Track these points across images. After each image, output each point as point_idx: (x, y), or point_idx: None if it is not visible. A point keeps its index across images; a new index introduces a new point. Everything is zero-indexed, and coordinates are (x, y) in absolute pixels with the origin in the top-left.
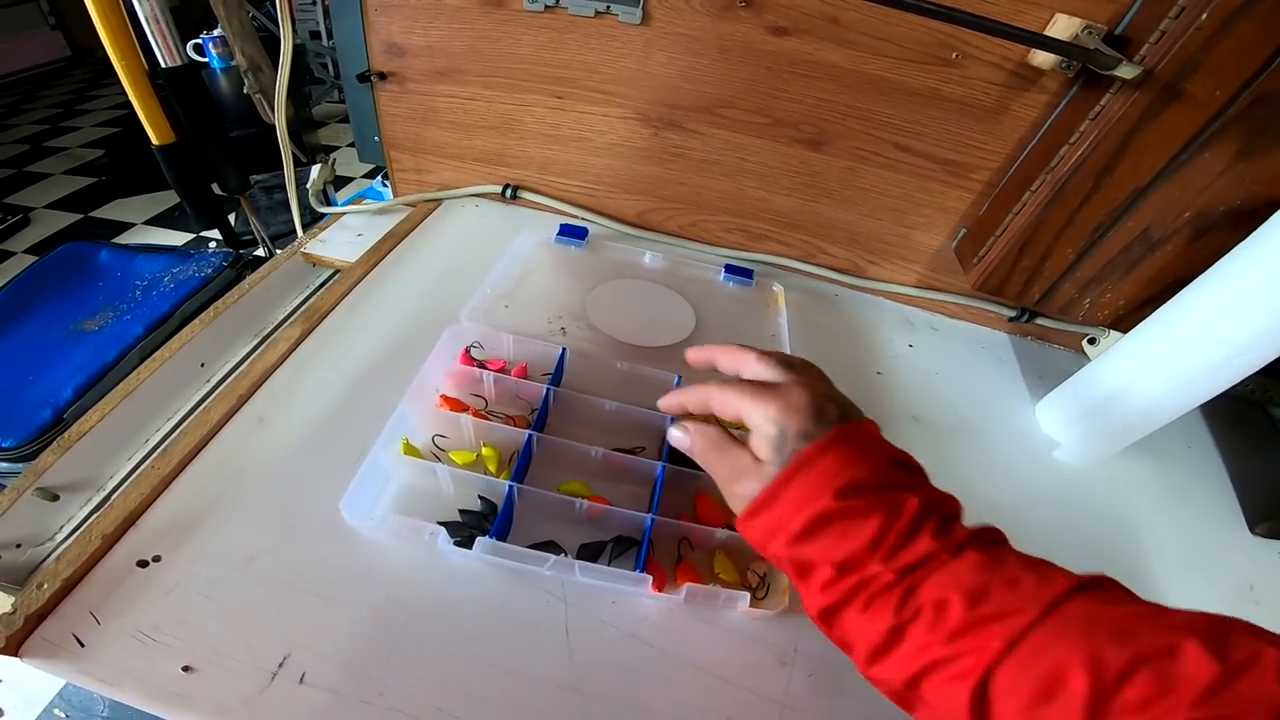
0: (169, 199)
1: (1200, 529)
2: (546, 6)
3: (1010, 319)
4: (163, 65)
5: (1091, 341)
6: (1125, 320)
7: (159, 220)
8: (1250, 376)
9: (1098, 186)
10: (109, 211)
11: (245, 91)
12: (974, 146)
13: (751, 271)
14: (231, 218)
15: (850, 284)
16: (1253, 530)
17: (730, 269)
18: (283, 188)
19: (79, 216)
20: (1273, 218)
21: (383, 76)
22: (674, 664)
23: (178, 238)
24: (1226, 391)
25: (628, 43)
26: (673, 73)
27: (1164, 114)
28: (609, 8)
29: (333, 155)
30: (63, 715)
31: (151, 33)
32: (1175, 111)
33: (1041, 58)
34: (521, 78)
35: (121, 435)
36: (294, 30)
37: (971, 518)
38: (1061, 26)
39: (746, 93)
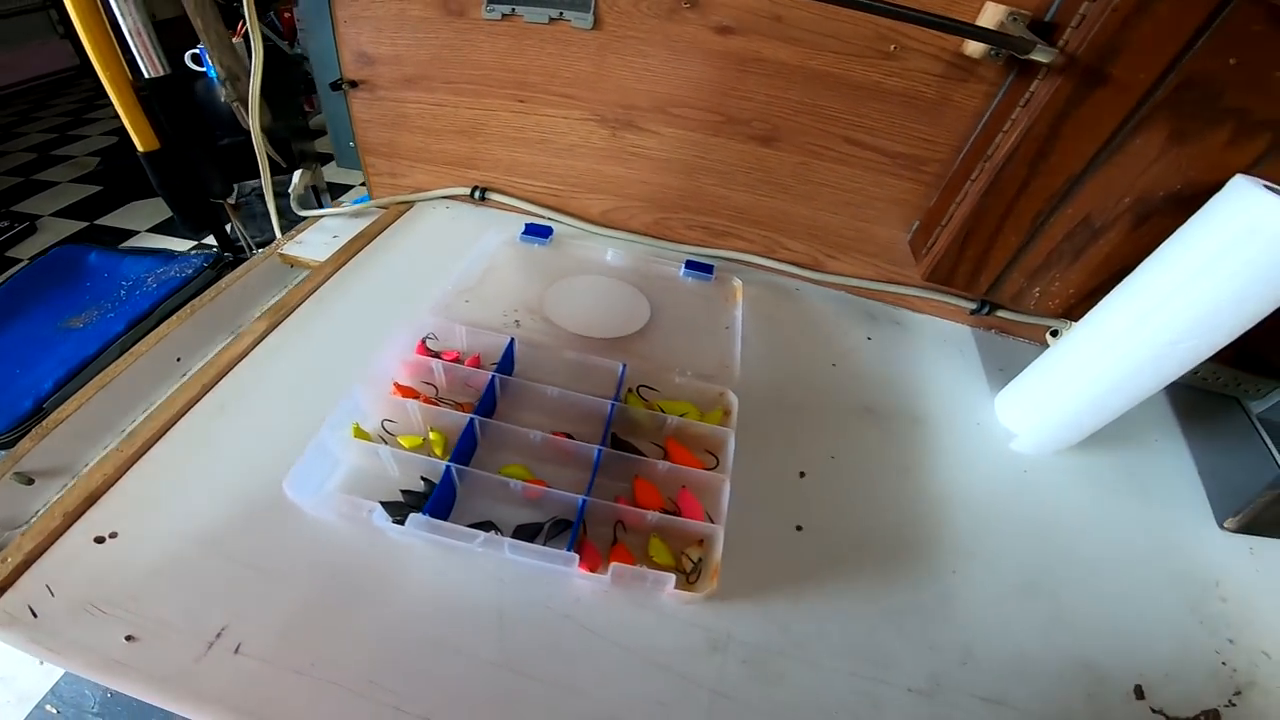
0: None
1: (1165, 523)
2: (504, 15)
3: (972, 311)
4: (146, 75)
5: (1054, 333)
6: (1077, 309)
7: (162, 228)
8: (1220, 369)
9: (1034, 173)
10: (114, 219)
11: (224, 100)
12: (922, 139)
13: (711, 267)
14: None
15: (812, 278)
16: (1221, 525)
17: (690, 265)
18: (279, 195)
19: (85, 224)
20: (1208, 203)
21: (354, 85)
22: (607, 646)
23: (180, 245)
24: (1200, 385)
25: (582, 47)
26: (626, 74)
27: (1090, 99)
28: (562, 14)
29: (315, 163)
30: (54, 711)
31: (135, 45)
32: (1101, 96)
33: (973, 47)
34: (484, 83)
35: (97, 424)
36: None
37: (925, 508)
38: (989, 15)
39: (698, 91)
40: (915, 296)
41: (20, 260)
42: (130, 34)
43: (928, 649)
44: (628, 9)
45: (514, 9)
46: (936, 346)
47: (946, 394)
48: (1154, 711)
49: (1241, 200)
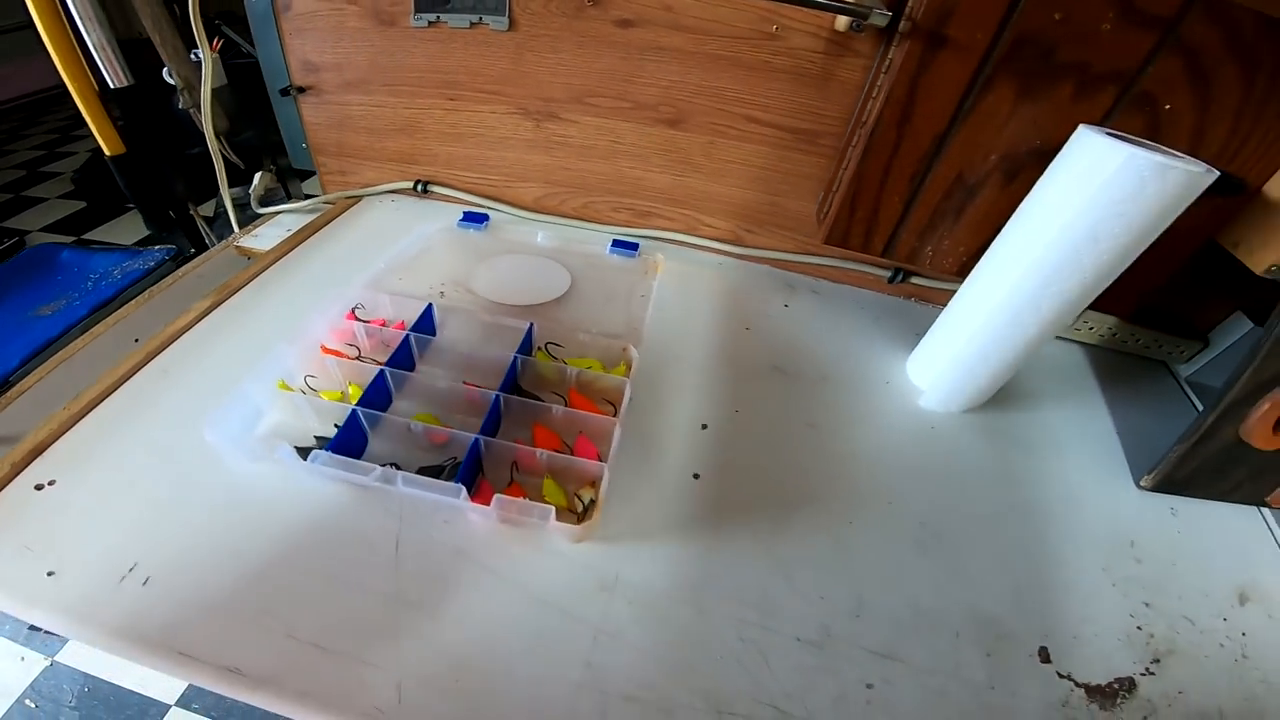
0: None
1: (1078, 481)
2: (429, 22)
3: (889, 280)
4: (111, 86)
5: None
6: (969, 267)
7: (148, 242)
8: (1139, 331)
9: (902, 136)
10: (101, 234)
11: (180, 107)
12: (814, 113)
13: (636, 245)
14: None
15: (734, 253)
16: (1138, 484)
17: (617, 243)
18: (242, 206)
19: (72, 239)
20: (1060, 153)
21: (301, 90)
22: (495, 581)
23: None
24: (1122, 349)
25: (500, 47)
26: (543, 70)
27: (937, 60)
28: (481, 19)
29: (270, 166)
30: (33, 705)
31: (100, 59)
32: (946, 57)
33: (841, 21)
34: (418, 84)
35: (56, 395)
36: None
37: (826, 460)
38: None
39: (607, 81)
40: (833, 267)
41: None
42: (95, 48)
43: (819, 599)
44: (538, 10)
45: (438, 16)
46: (853, 313)
47: (859, 356)
48: (1061, 676)
49: (1083, 146)
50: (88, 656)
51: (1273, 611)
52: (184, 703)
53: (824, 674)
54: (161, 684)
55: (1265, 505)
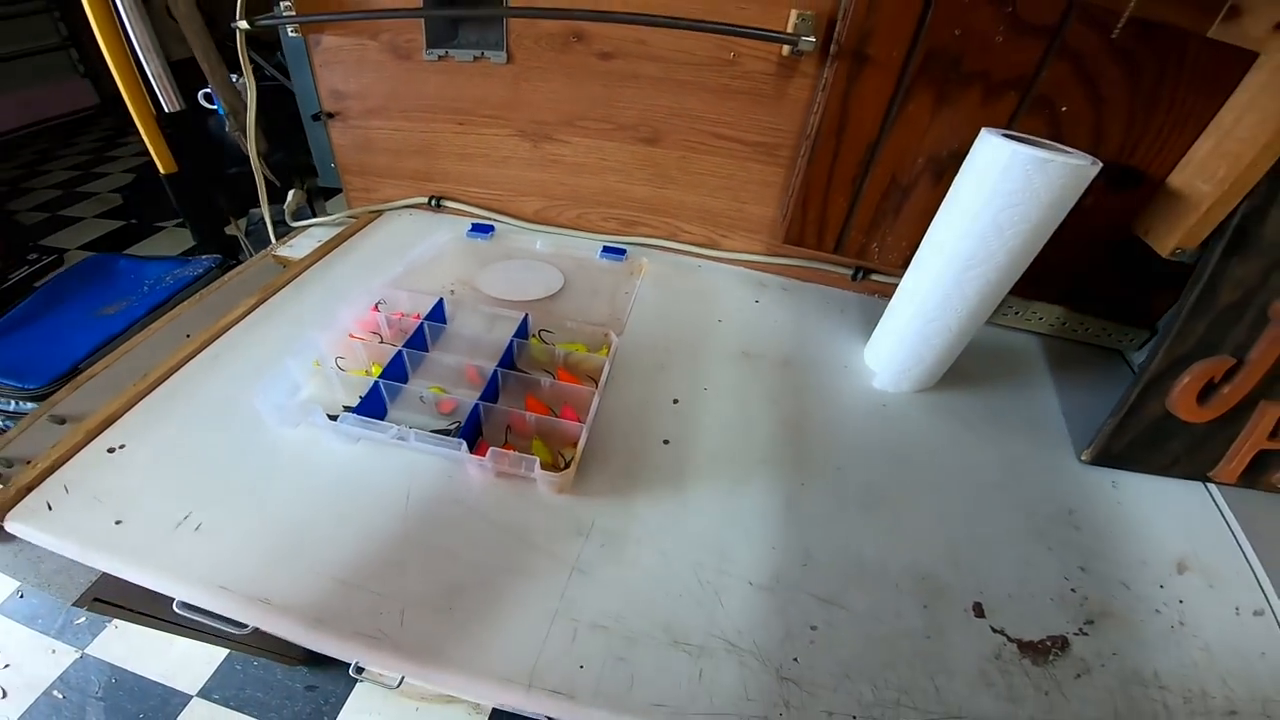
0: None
1: (1021, 455)
2: (439, 57)
3: (852, 278)
4: (166, 110)
5: None
6: (911, 260)
7: (194, 253)
8: (1088, 320)
9: (840, 144)
10: (137, 251)
11: (228, 130)
12: (771, 128)
13: (624, 250)
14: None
15: (711, 256)
16: (1079, 458)
17: (606, 249)
18: (278, 221)
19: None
20: (970, 152)
21: (330, 115)
22: (487, 525)
23: None
24: (1074, 338)
25: (500, 78)
26: (537, 97)
27: (862, 76)
28: (483, 54)
29: (306, 182)
30: (61, 696)
31: (157, 85)
32: (870, 73)
33: (786, 48)
34: (431, 110)
35: (119, 380)
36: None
37: (783, 431)
38: (792, 20)
39: (593, 106)
40: (801, 267)
41: None
42: (153, 76)
43: (771, 549)
44: (531, 46)
45: (446, 52)
46: (819, 308)
47: (821, 344)
48: (995, 631)
49: (984, 146)
50: (117, 649)
51: (1213, 582)
52: (205, 693)
53: (773, 614)
54: (184, 675)
55: (1209, 481)
